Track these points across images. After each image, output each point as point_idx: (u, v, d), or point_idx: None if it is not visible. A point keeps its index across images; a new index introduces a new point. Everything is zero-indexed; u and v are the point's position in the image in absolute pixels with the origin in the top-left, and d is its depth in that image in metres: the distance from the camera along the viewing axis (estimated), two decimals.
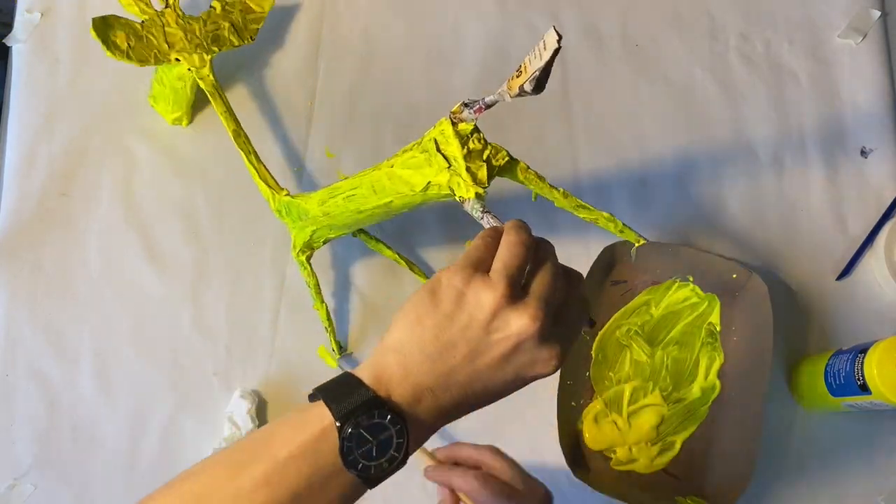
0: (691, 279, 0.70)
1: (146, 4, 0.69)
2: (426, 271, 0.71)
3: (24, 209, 0.71)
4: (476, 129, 0.49)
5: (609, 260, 0.69)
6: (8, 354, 0.68)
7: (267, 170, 0.64)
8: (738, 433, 0.65)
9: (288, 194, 0.62)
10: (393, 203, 0.53)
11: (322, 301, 0.66)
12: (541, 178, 0.53)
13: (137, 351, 0.69)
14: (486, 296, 0.38)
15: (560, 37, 0.41)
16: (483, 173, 0.48)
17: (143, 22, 0.67)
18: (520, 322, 0.38)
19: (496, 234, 0.42)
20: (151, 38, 0.66)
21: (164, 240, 0.71)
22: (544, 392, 0.66)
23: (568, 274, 0.43)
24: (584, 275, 0.66)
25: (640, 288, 0.70)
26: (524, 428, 0.67)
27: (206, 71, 0.66)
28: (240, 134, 0.65)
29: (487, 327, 0.39)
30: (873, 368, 0.59)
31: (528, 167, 0.52)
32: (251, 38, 0.71)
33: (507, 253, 0.40)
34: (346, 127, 0.75)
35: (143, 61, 0.66)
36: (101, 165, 0.72)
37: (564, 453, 0.63)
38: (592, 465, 0.66)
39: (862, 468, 0.67)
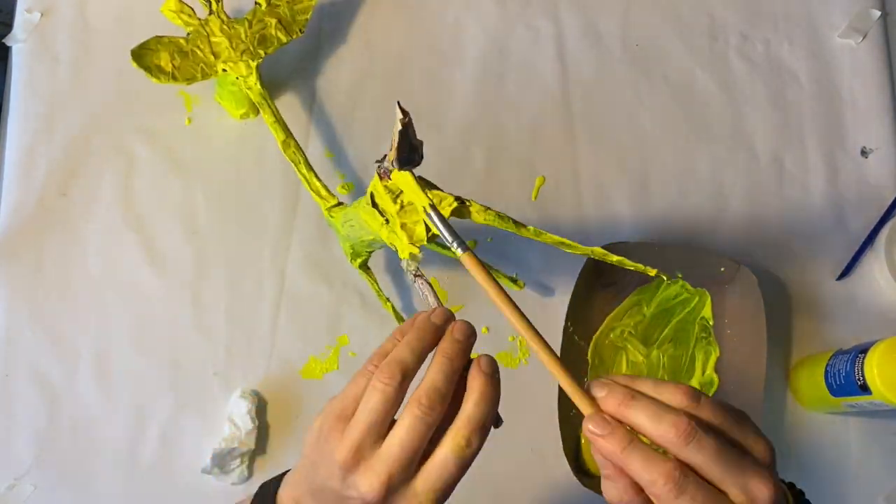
0: (680, 275, 0.70)
1: (190, 15, 0.67)
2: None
3: (24, 209, 0.71)
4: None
5: (599, 262, 0.68)
6: (8, 354, 0.68)
7: (318, 178, 0.62)
8: None
9: (337, 205, 0.61)
10: (376, 241, 0.49)
11: (387, 300, 0.66)
12: (503, 217, 0.46)
13: (137, 351, 0.69)
14: (335, 453, 0.37)
15: (405, 113, 0.37)
16: (420, 231, 0.43)
17: (188, 35, 0.64)
18: (362, 487, 0.36)
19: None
20: (197, 51, 0.64)
21: (164, 240, 0.71)
22: (545, 395, 0.66)
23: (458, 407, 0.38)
24: (576, 278, 0.66)
25: (630, 288, 0.70)
26: (527, 429, 0.67)
27: (252, 80, 0.64)
28: (289, 144, 0.63)
29: (342, 484, 0.37)
30: (873, 368, 0.59)
31: (487, 208, 0.46)
32: (300, 30, 0.68)
33: (364, 408, 0.37)
34: (346, 127, 0.75)
35: (189, 79, 0.63)
36: (101, 165, 0.72)
37: (569, 462, 0.63)
38: (597, 472, 0.66)
39: (862, 468, 0.67)
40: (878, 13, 0.77)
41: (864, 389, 0.60)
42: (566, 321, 0.66)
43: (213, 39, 0.64)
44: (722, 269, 0.68)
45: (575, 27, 0.77)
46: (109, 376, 0.68)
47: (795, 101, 0.76)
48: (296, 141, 0.64)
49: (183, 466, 0.66)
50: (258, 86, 0.64)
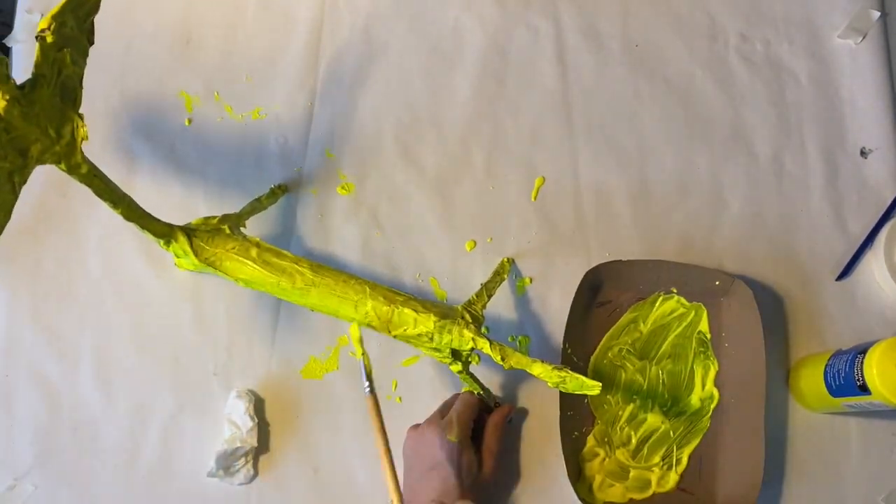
0: (675, 290, 0.69)
1: None
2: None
3: (24, 209, 0.71)
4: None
5: (593, 282, 0.68)
6: (8, 354, 0.68)
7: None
8: (742, 439, 0.65)
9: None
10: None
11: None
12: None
13: (137, 351, 0.69)
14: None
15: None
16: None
17: None
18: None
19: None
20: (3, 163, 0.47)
21: None
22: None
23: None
24: (572, 297, 0.66)
25: (625, 306, 0.69)
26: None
27: (78, 158, 0.51)
28: (132, 209, 0.56)
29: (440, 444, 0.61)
30: (873, 369, 0.59)
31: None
32: (90, 40, 0.51)
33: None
34: (346, 127, 0.75)
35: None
36: (101, 166, 0.72)
37: (573, 486, 0.62)
38: (604, 494, 0.66)
39: (862, 468, 0.67)
40: (877, 13, 0.77)
41: (864, 390, 0.60)
42: (564, 342, 0.66)
43: (15, 135, 0.47)
44: (717, 282, 0.68)
45: (575, 27, 0.77)
46: (109, 376, 0.68)
47: (795, 102, 0.76)
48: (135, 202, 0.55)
49: (183, 466, 0.66)
50: (85, 164, 0.51)
